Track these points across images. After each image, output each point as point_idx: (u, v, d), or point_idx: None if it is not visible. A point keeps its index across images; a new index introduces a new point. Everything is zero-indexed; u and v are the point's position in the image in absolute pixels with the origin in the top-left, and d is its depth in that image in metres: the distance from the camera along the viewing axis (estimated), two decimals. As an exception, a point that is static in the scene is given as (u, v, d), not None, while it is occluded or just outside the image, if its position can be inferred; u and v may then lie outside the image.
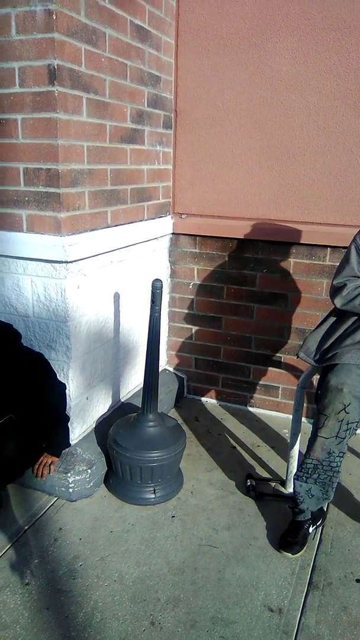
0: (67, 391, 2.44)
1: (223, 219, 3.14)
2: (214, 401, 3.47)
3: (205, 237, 3.19)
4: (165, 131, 3.06)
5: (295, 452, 2.45)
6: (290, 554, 2.12)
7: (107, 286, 2.63)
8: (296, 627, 1.83)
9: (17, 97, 2.15)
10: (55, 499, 2.44)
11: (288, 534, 2.18)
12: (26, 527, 2.26)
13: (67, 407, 2.45)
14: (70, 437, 2.49)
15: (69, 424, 2.46)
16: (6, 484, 2.43)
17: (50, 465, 2.39)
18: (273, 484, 2.59)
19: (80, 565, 2.08)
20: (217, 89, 2.98)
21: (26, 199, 2.26)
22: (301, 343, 2.29)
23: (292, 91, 2.83)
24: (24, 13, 2.05)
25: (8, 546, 2.15)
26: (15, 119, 2.18)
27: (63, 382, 2.42)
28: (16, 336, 2.33)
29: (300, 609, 1.90)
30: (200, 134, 3.08)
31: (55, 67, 2.06)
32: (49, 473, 2.39)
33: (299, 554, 2.13)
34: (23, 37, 2.08)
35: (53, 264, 2.29)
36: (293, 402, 2.44)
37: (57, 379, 2.41)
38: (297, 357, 2.25)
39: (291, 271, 3.04)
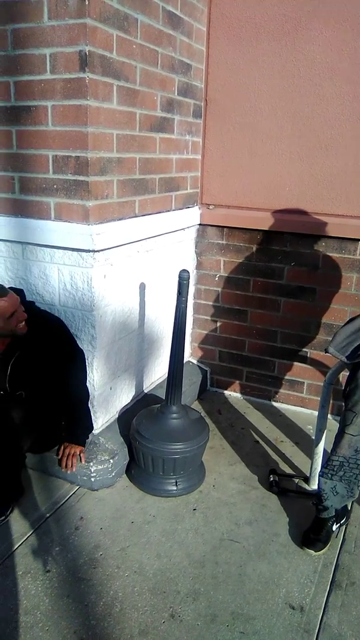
0: (91, 380, 2.44)
1: (251, 210, 3.09)
2: (237, 395, 3.44)
3: (232, 228, 3.15)
4: (195, 120, 3.02)
5: (320, 448, 2.41)
6: (313, 551, 2.09)
7: (133, 276, 2.62)
8: (318, 626, 1.80)
9: (47, 84, 2.14)
10: (77, 487, 2.45)
11: (311, 530, 2.15)
12: (48, 515, 2.27)
13: (91, 395, 2.45)
14: (92, 421, 2.48)
15: (90, 407, 2.44)
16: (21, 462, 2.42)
17: (80, 454, 2.39)
18: (296, 481, 2.56)
19: (101, 554, 2.08)
20: (248, 78, 2.92)
21: (54, 186, 2.25)
22: (329, 338, 2.24)
23: (325, 80, 2.76)
24: (57, -1, 2.03)
25: (30, 533, 2.17)
26: (46, 106, 2.17)
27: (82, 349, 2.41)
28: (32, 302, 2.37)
29: (323, 608, 1.87)
30: (231, 123, 3.04)
31: (87, 54, 2.04)
32: (80, 462, 2.39)
33: (321, 552, 2.10)
34: (55, 23, 2.06)
35: (80, 253, 2.28)
36: (319, 398, 2.39)
37: (77, 345, 2.39)
38: (326, 352, 2.20)
39: (320, 265, 2.98)
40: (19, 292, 2.30)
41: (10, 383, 2.22)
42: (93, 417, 2.50)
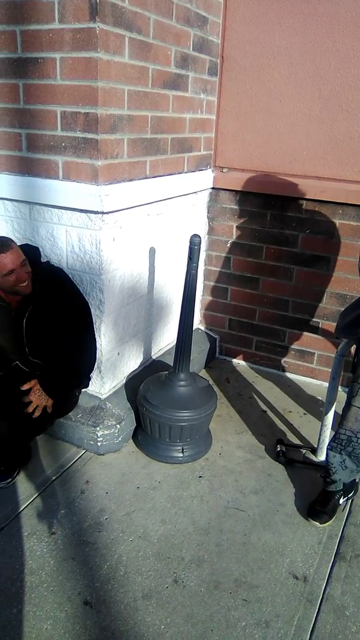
0: (99, 346, 2.41)
1: (266, 174, 2.98)
2: (246, 364, 3.40)
3: (246, 193, 3.05)
4: (210, 78, 2.89)
5: (329, 420, 2.38)
6: (318, 523, 2.08)
7: (142, 240, 2.55)
8: (321, 597, 1.80)
9: (56, 34, 2.03)
10: (83, 451, 2.45)
11: (317, 502, 2.13)
12: (54, 478, 2.27)
13: (98, 360, 2.42)
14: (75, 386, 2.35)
15: (97, 372, 2.40)
16: (29, 438, 2.39)
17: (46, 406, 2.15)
18: (303, 451, 2.54)
19: (106, 518, 2.08)
20: (267, 34, 2.77)
21: (63, 144, 2.17)
22: (342, 309, 2.19)
23: (350, 37, 2.61)
24: None
25: (36, 495, 2.17)
26: (54, 58, 2.06)
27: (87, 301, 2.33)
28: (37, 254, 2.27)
29: (326, 579, 1.87)
30: (247, 82, 2.90)
31: (97, 2, 1.92)
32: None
33: (327, 524, 2.09)
34: (64, -32, 1.94)
35: (88, 214, 2.21)
36: (329, 370, 2.35)
37: (84, 297, 2.29)
38: (336, 338, 2.17)
39: (336, 233, 2.89)
40: (35, 250, 2.23)
41: (28, 343, 2.19)
42: (100, 382, 2.48)
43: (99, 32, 1.96)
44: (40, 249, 2.38)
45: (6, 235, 2.44)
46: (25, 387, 2.12)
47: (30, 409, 2.12)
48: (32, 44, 2.09)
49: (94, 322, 2.37)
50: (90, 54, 2.00)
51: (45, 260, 2.33)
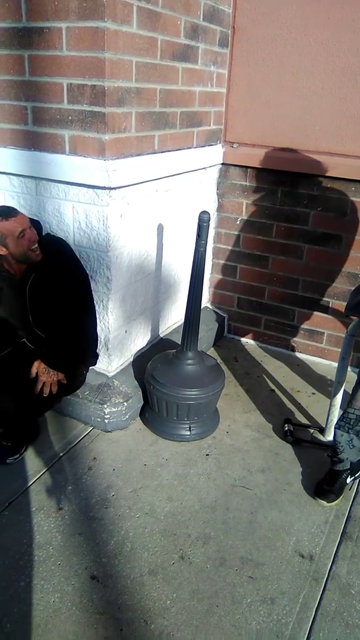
0: (106, 323, 2.40)
1: (278, 150, 2.91)
2: (254, 343, 3.38)
3: (257, 169, 2.99)
4: (221, 50, 2.81)
5: (337, 400, 2.36)
6: (325, 502, 2.08)
7: (150, 217, 2.51)
8: (326, 575, 1.80)
9: (61, 3, 1.97)
10: (91, 428, 2.46)
11: (324, 482, 2.13)
12: (61, 454, 2.28)
13: (106, 338, 2.42)
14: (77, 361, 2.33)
15: (105, 349, 2.40)
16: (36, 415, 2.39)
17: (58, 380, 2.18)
18: (311, 431, 2.53)
19: (113, 495, 2.09)
20: (280, 4, 2.68)
21: (69, 118, 2.12)
22: (353, 288, 2.15)
23: (366, 5, 2.52)
24: None
25: (43, 471, 2.19)
26: (60, 28, 2.01)
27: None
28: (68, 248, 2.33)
29: (332, 558, 1.87)
30: (259, 54, 2.82)
31: (105, -32, 1.86)
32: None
33: (334, 503, 2.09)
34: None
35: (95, 190, 2.17)
36: (339, 350, 2.32)
37: (84, 270, 2.33)
38: (346, 316, 2.14)
39: (348, 211, 2.83)
40: (36, 223, 2.24)
41: (32, 313, 2.19)
42: (107, 360, 2.48)
43: (106, 0, 1.90)
44: (47, 225, 2.36)
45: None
46: (32, 372, 2.15)
47: (43, 388, 2.16)
48: (37, 13, 2.03)
49: (100, 299, 2.35)
50: (97, 24, 1.94)
51: (45, 233, 2.32)
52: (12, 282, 2.20)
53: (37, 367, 2.16)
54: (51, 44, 2.05)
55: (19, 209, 2.35)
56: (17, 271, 2.18)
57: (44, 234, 2.30)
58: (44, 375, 2.15)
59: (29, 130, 2.24)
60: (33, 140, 2.24)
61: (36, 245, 2.12)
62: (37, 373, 2.16)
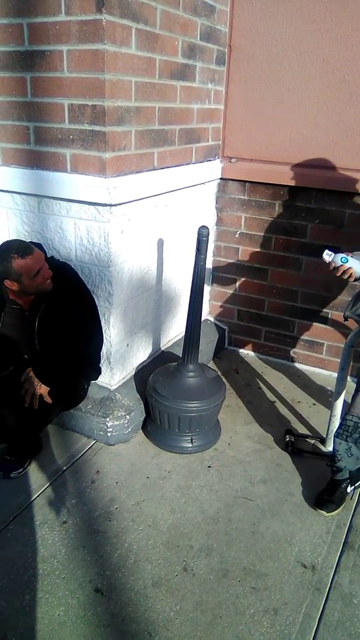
0: (108, 337, 2.43)
1: (275, 164, 2.97)
2: (255, 354, 3.41)
3: (255, 183, 3.04)
4: (218, 68, 2.87)
5: (337, 410, 2.38)
6: (325, 512, 2.10)
7: (151, 232, 2.56)
8: (329, 585, 1.81)
9: (62, 27, 2.03)
10: (94, 442, 2.48)
11: (325, 492, 2.15)
12: (65, 468, 2.30)
13: (107, 352, 2.44)
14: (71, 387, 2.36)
15: (107, 364, 2.42)
16: (36, 430, 2.38)
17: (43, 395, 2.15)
18: (312, 442, 2.55)
19: (116, 508, 2.11)
20: (275, 22, 2.75)
21: (70, 137, 2.17)
22: (349, 299, 2.18)
23: (359, 25, 2.57)
24: None
25: (47, 485, 2.21)
26: (61, 51, 2.06)
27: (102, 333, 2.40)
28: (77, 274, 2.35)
29: (334, 568, 1.88)
30: (255, 71, 2.88)
31: (104, -7, 1.92)
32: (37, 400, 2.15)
33: (334, 513, 2.10)
34: None
35: (97, 207, 2.22)
36: (339, 360, 2.35)
37: (90, 293, 2.34)
38: (345, 319, 2.16)
39: (345, 223, 2.87)
40: (39, 247, 2.26)
41: (39, 339, 2.20)
42: (109, 374, 2.51)
43: (105, 23, 1.96)
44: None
45: (16, 229, 2.47)
46: (22, 377, 2.15)
47: (25, 397, 2.12)
48: (39, 37, 2.09)
49: (102, 314, 2.38)
50: (97, 46, 2.00)
51: (50, 256, 2.33)
52: (20, 312, 2.21)
53: (27, 373, 2.15)
54: (52, 66, 2.10)
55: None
56: (25, 302, 2.19)
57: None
58: (27, 382, 2.14)
59: (31, 149, 2.29)
60: (35, 159, 2.29)
61: (49, 280, 2.14)
62: (24, 380, 2.14)
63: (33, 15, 2.06)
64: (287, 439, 2.51)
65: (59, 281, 2.20)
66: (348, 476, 2.14)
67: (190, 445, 2.44)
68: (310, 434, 2.62)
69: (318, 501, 2.13)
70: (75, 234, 2.33)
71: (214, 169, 3.03)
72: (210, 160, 3.00)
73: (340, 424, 2.07)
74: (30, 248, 2.07)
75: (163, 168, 2.53)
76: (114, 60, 2.04)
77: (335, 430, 2.19)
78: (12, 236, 2.49)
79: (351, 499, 2.19)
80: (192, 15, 2.50)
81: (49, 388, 2.16)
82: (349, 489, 2.15)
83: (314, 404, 2.90)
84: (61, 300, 2.18)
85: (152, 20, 2.21)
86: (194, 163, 2.82)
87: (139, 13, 2.12)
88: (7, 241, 2.15)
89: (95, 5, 1.94)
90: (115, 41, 2.03)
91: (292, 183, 2.91)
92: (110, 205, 2.19)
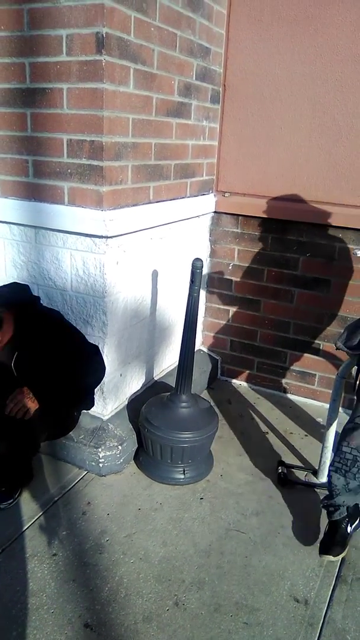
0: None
1: (267, 198, 3.04)
2: (247, 385, 3.42)
3: (247, 217, 3.11)
4: (213, 106, 2.97)
5: (329, 442, 2.39)
6: (331, 557, 1.98)
7: (145, 263, 2.60)
8: (322, 620, 1.79)
9: (63, 66, 2.10)
10: (85, 472, 2.46)
11: (325, 536, 2.05)
12: (56, 498, 2.28)
13: (101, 382, 2.44)
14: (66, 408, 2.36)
15: (100, 394, 2.41)
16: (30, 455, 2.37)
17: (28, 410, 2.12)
18: (305, 473, 2.54)
19: (107, 540, 2.09)
20: (268, 63, 2.86)
21: (69, 171, 2.23)
22: (341, 331, 2.21)
23: (348, 66, 2.69)
24: (74, -22, 2.00)
25: (38, 516, 2.18)
26: (61, 89, 2.14)
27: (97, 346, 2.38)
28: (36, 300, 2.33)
29: (327, 602, 1.86)
30: (249, 109, 2.98)
31: (104, 36, 2.00)
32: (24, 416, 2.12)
33: (340, 556, 2.00)
34: (72, 4, 2.02)
35: (93, 239, 2.26)
36: (331, 392, 2.37)
37: (88, 343, 2.33)
38: (337, 349, 2.17)
39: (336, 256, 2.93)
40: (24, 287, 2.28)
41: (21, 378, 2.19)
42: (102, 404, 2.51)
43: (105, 64, 2.03)
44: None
45: (12, 259, 2.49)
46: (16, 391, 2.13)
47: (13, 406, 2.09)
48: (40, 75, 2.16)
49: (97, 343, 2.40)
50: (97, 85, 2.07)
51: (33, 297, 2.33)
52: None
53: (21, 389, 2.13)
54: (52, 103, 2.17)
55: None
56: None
57: (38, 293, 2.34)
58: (20, 393, 2.11)
59: (29, 182, 2.34)
60: (33, 191, 2.34)
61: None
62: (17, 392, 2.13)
63: (35, 55, 2.14)
64: (280, 470, 2.51)
65: (40, 327, 2.19)
66: (346, 514, 2.03)
67: (182, 476, 2.43)
68: (303, 466, 2.62)
69: (322, 548, 2.02)
70: (71, 264, 2.37)
71: (208, 202, 3.10)
72: (204, 194, 3.07)
73: (336, 457, 1.99)
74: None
75: (158, 202, 2.58)
76: (112, 99, 2.12)
77: (328, 462, 2.17)
78: (9, 266, 2.52)
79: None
80: (188, 57, 2.60)
81: (37, 406, 2.14)
82: (349, 529, 2.04)
83: (305, 435, 2.90)
84: (39, 347, 2.16)
85: (149, 60, 2.30)
86: (188, 197, 2.89)
87: (137, 54, 2.21)
88: None
89: (96, 46, 2.02)
90: (114, 80, 2.10)
91: (284, 217, 2.98)
92: (106, 237, 2.23)
